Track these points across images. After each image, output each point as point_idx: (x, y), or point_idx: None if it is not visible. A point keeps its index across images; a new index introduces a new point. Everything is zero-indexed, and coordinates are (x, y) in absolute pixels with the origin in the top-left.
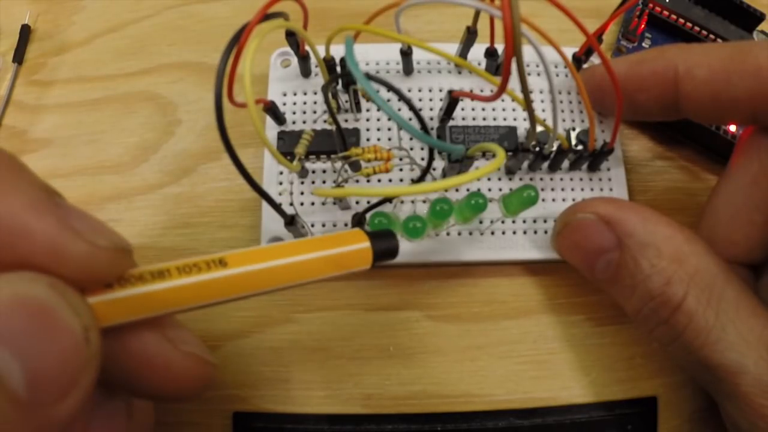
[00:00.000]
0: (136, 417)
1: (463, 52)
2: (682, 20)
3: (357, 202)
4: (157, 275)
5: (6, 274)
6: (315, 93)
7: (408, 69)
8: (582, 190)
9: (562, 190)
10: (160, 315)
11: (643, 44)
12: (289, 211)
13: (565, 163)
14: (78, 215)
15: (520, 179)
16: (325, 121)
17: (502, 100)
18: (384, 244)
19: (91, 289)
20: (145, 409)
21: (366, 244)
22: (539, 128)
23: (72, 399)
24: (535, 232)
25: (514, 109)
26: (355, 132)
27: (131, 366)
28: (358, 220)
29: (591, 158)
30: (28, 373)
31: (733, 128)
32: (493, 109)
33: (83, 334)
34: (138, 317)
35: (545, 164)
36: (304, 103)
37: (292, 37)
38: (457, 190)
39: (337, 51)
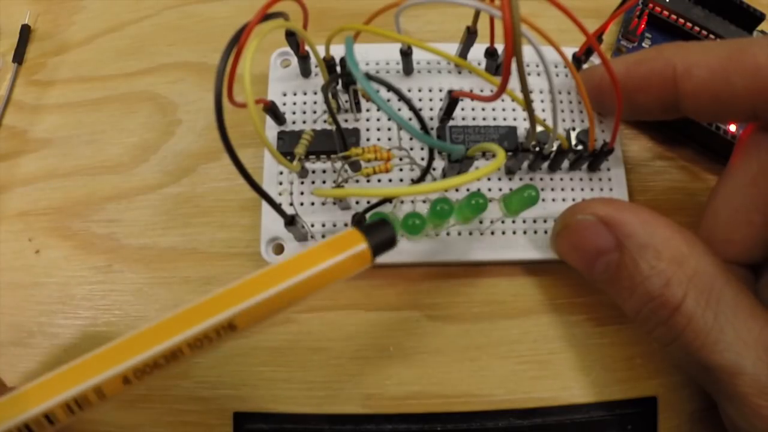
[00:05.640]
0: None
1: (463, 52)
2: (682, 20)
3: (357, 202)
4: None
5: None
6: (315, 93)
7: (408, 69)
8: (582, 190)
9: (562, 190)
10: None
11: (643, 44)
12: (289, 211)
13: (565, 163)
14: None
15: (520, 179)
16: (325, 121)
17: (502, 100)
18: (380, 237)
19: None
20: None
21: (363, 245)
22: (539, 128)
23: None
24: (535, 232)
25: (514, 109)
26: (355, 132)
27: None
28: (358, 220)
29: (591, 158)
30: None
31: (733, 128)
32: (493, 109)
33: None
34: None
35: (545, 164)
36: (304, 103)
37: (292, 37)
38: (457, 190)
39: (337, 51)
